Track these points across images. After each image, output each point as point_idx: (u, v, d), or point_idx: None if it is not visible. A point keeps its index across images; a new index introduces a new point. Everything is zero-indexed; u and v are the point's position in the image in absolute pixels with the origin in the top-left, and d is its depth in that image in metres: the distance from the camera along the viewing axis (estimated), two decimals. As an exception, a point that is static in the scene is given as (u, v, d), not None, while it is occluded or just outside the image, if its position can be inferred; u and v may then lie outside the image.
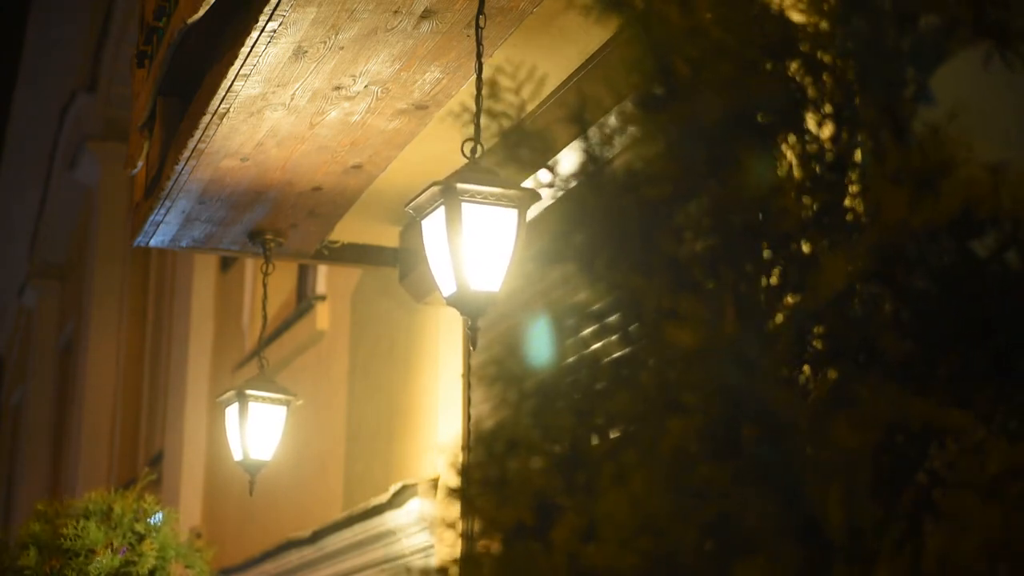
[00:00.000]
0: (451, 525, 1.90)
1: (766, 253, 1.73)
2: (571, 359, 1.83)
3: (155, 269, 13.00)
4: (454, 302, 4.24)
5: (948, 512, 1.54)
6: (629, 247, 1.75)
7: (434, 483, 6.16)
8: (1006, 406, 1.63)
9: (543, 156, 1.93)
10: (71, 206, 16.12)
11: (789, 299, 1.70)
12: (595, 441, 1.75)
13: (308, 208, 5.89)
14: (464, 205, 4.17)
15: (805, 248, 1.74)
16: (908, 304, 1.67)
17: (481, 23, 4.31)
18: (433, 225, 4.26)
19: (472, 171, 4.22)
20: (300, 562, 7.76)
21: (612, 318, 1.79)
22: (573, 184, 1.87)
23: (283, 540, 7.96)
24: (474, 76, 4.39)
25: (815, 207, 1.76)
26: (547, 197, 1.93)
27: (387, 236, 6.61)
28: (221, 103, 4.88)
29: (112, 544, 5.63)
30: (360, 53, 4.60)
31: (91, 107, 14.38)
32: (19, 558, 5.64)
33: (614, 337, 1.79)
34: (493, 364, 1.83)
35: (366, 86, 4.83)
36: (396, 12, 4.35)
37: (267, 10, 4.28)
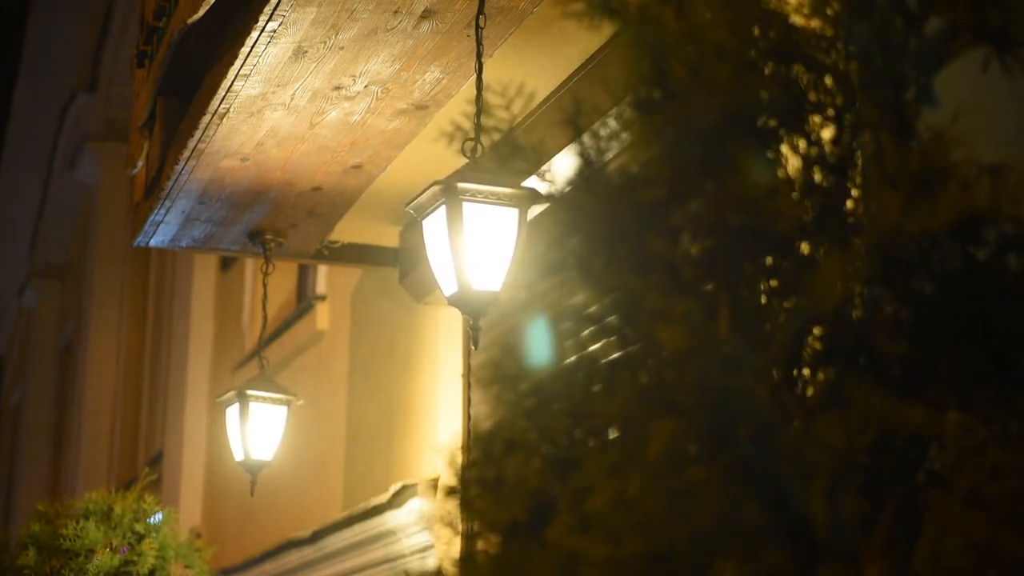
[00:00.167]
0: (449, 524, 1.91)
1: (766, 257, 1.73)
2: (568, 361, 1.83)
3: (155, 269, 13.00)
4: (455, 302, 4.24)
5: (934, 514, 1.54)
6: (625, 249, 1.75)
7: (434, 483, 6.16)
8: (1006, 408, 1.63)
9: (536, 164, 1.94)
10: (71, 206, 16.12)
11: (786, 303, 1.70)
12: (591, 442, 1.76)
13: (308, 208, 5.89)
14: (465, 205, 4.17)
15: (803, 250, 1.74)
16: (908, 306, 1.67)
17: (481, 23, 4.31)
18: (434, 225, 4.26)
19: (473, 170, 4.22)
20: (300, 562, 7.76)
21: (609, 320, 1.79)
22: (570, 187, 1.87)
23: (283, 540, 7.96)
24: (474, 76, 4.39)
25: (813, 209, 1.76)
26: (544, 201, 1.94)
27: (387, 236, 6.61)
28: (221, 103, 4.88)
29: (112, 544, 5.64)
30: (360, 53, 4.60)
31: (91, 107, 14.39)
32: (19, 558, 5.64)
33: (611, 339, 1.79)
34: (490, 366, 1.83)
35: (366, 86, 4.83)
36: (396, 12, 4.35)
37: (267, 10, 4.28)
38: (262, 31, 4.40)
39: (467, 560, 1.78)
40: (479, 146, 4.26)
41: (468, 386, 5.67)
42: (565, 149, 1.90)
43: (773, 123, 1.78)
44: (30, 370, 17.83)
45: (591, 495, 1.61)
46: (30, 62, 16.32)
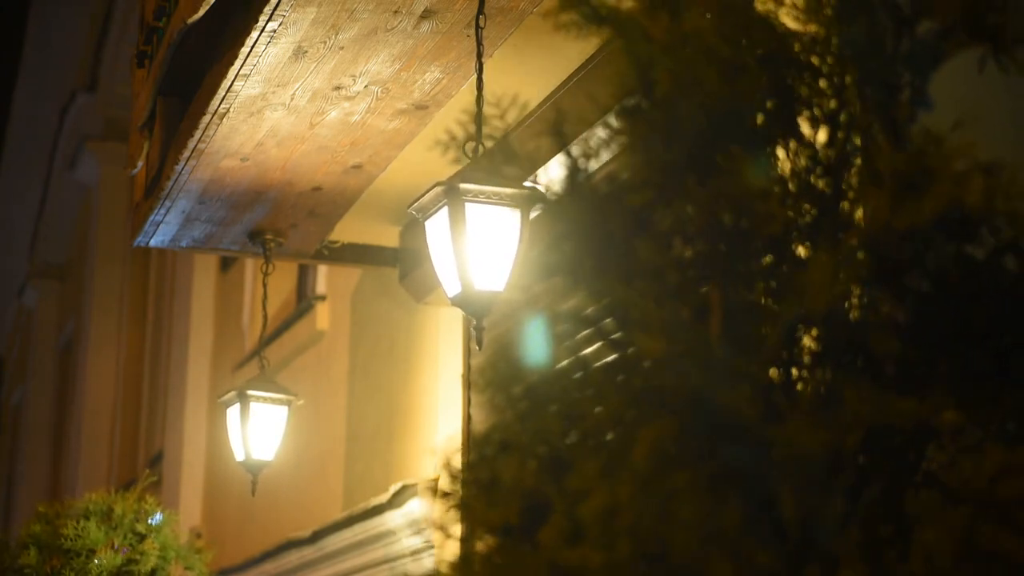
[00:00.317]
0: (443, 527, 1.91)
1: (757, 259, 1.73)
2: (562, 363, 1.83)
3: (155, 269, 13.00)
4: (459, 302, 4.24)
5: (917, 513, 1.54)
6: (613, 255, 1.76)
7: (434, 483, 6.16)
8: (1003, 407, 1.63)
9: (531, 170, 1.94)
10: (71, 206, 16.13)
11: (776, 303, 1.71)
12: (584, 444, 1.76)
13: (308, 208, 5.89)
14: (467, 205, 4.17)
15: (796, 252, 1.74)
16: (904, 305, 1.67)
17: (481, 23, 4.31)
18: (437, 226, 4.26)
19: (474, 171, 4.22)
20: (300, 562, 7.76)
21: (601, 324, 1.79)
22: (559, 195, 1.88)
23: (283, 540, 7.96)
24: (474, 76, 4.40)
25: (806, 211, 1.76)
26: (545, 201, 1.94)
27: (387, 236, 6.61)
28: (221, 103, 4.88)
29: (113, 544, 5.64)
30: (360, 53, 4.60)
31: (91, 107, 14.39)
32: (20, 558, 5.64)
33: (604, 342, 1.80)
34: (485, 369, 1.84)
35: (366, 86, 4.83)
36: (396, 12, 4.35)
37: (267, 10, 4.28)
38: (262, 31, 4.40)
39: (462, 562, 1.78)
40: (480, 146, 4.26)
41: (468, 386, 5.68)
42: (558, 154, 1.90)
43: (764, 125, 1.79)
44: (30, 370, 17.83)
45: (584, 499, 1.62)
46: (30, 62, 16.32)
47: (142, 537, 5.70)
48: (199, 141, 5.17)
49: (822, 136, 1.81)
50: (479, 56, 4.35)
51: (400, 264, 6.63)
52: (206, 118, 5.00)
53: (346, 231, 6.50)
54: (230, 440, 6.38)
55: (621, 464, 1.62)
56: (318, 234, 6.20)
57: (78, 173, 14.59)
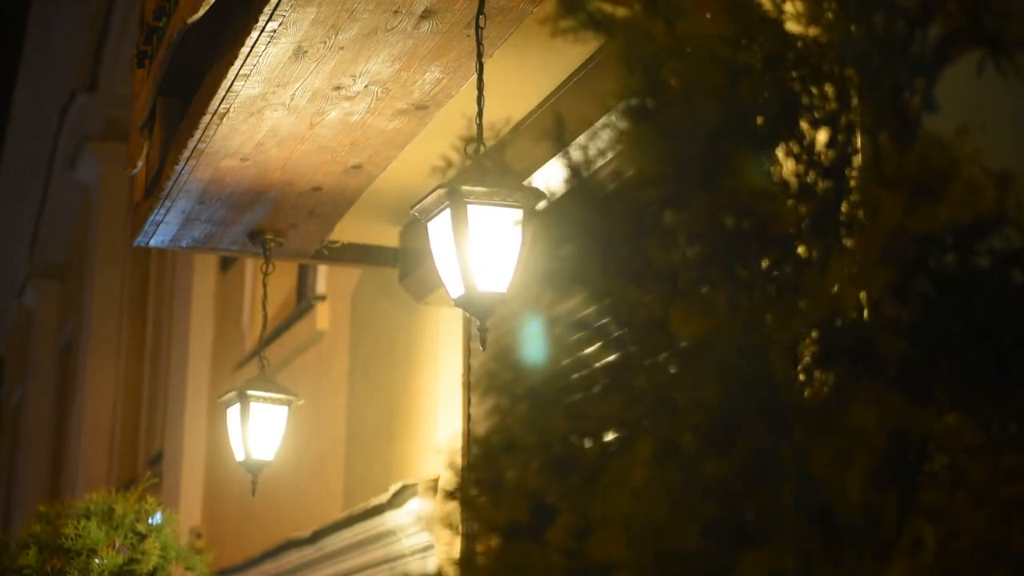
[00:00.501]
0: (449, 525, 1.91)
1: (763, 260, 1.73)
2: (565, 363, 1.83)
3: (155, 269, 13.00)
4: (462, 304, 4.24)
5: (943, 512, 1.54)
6: (618, 256, 1.76)
7: (434, 483, 6.16)
8: (1006, 410, 1.63)
9: (527, 176, 1.95)
10: (71, 206, 16.13)
11: (782, 302, 1.70)
12: (589, 444, 1.76)
13: (308, 208, 5.89)
14: (470, 207, 4.17)
15: (800, 253, 1.74)
16: (908, 307, 1.67)
17: (481, 23, 4.31)
18: (439, 227, 4.27)
19: (476, 172, 4.22)
20: (300, 562, 7.76)
21: (606, 323, 1.79)
22: (564, 193, 1.88)
23: (283, 540, 7.96)
24: (474, 76, 4.40)
25: (809, 212, 1.76)
26: (547, 200, 1.94)
27: (387, 236, 6.61)
28: (221, 103, 4.88)
29: (114, 544, 5.64)
30: (360, 53, 4.60)
31: (91, 107, 14.39)
32: (20, 558, 5.64)
33: (606, 342, 1.80)
34: (487, 369, 1.84)
35: (366, 86, 4.83)
36: (396, 12, 4.35)
37: (267, 10, 4.28)
38: (262, 31, 4.40)
39: (466, 561, 1.78)
40: (482, 146, 4.26)
41: (468, 386, 5.68)
42: (558, 156, 1.91)
43: (767, 127, 1.79)
44: (30, 370, 17.83)
45: (598, 496, 1.62)
46: (30, 62, 16.32)
47: (143, 537, 5.70)
48: (199, 141, 5.17)
49: (823, 136, 1.81)
50: (479, 56, 4.35)
51: (400, 264, 6.63)
52: (206, 118, 5.00)
53: (346, 231, 6.50)
54: (230, 440, 6.38)
55: (638, 460, 1.61)
56: (318, 234, 6.20)
57: (78, 173, 14.59)
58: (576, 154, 1.86)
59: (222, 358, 10.41)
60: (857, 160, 1.79)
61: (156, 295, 12.99)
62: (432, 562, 6.13)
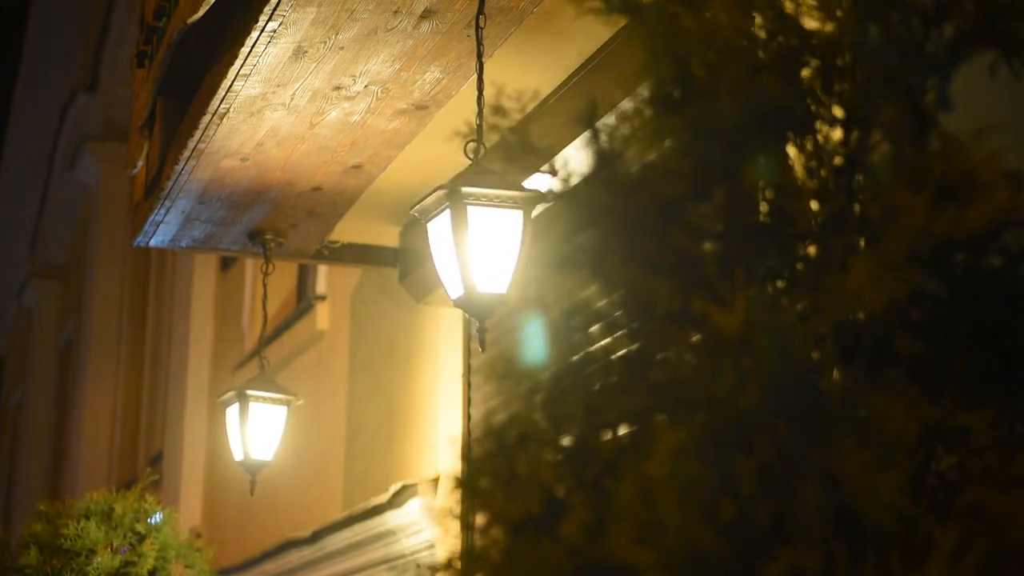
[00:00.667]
0: (458, 518, 1.91)
1: (782, 256, 1.73)
2: (582, 354, 1.83)
3: (155, 269, 13.00)
4: (462, 304, 4.25)
5: (991, 511, 1.53)
6: (641, 246, 1.75)
7: (434, 483, 6.16)
8: (1014, 410, 1.62)
9: (549, 158, 1.94)
10: (71, 206, 16.12)
11: (801, 304, 1.70)
12: (606, 436, 1.76)
13: (308, 208, 5.89)
14: (469, 208, 4.18)
15: (819, 251, 1.74)
16: (921, 306, 1.67)
17: (481, 23, 4.31)
18: (439, 228, 4.27)
19: (476, 173, 4.22)
20: (300, 562, 7.76)
21: (622, 314, 1.79)
22: (584, 182, 1.87)
23: (283, 540, 7.96)
24: (474, 76, 4.40)
25: (828, 210, 1.75)
26: (557, 195, 1.93)
27: (387, 236, 6.61)
28: (221, 103, 4.88)
29: (113, 544, 5.64)
30: (360, 53, 4.60)
31: (91, 107, 14.39)
32: (20, 557, 5.64)
33: (623, 333, 1.79)
34: (504, 359, 1.83)
35: (366, 86, 4.83)
36: (396, 12, 4.35)
37: (267, 10, 4.28)
38: (262, 31, 4.40)
39: (477, 554, 1.78)
40: (482, 147, 4.26)
41: (468, 386, 5.67)
42: (572, 145, 1.90)
43: (786, 124, 1.78)
44: (30, 370, 17.82)
45: (613, 492, 1.61)
46: (30, 62, 16.32)
47: (142, 537, 5.70)
48: (199, 141, 5.17)
49: (838, 135, 1.81)
50: (479, 56, 4.35)
51: (400, 264, 6.63)
52: (206, 118, 5.00)
53: (346, 231, 6.50)
54: (229, 440, 6.38)
55: (654, 456, 1.61)
56: (318, 234, 6.20)
57: (78, 173, 14.59)
58: (600, 142, 1.86)
59: (222, 358, 10.41)
60: (874, 159, 1.79)
61: (156, 295, 12.99)
62: (432, 562, 6.13)
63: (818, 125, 1.80)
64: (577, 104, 1.95)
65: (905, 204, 1.64)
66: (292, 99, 4.91)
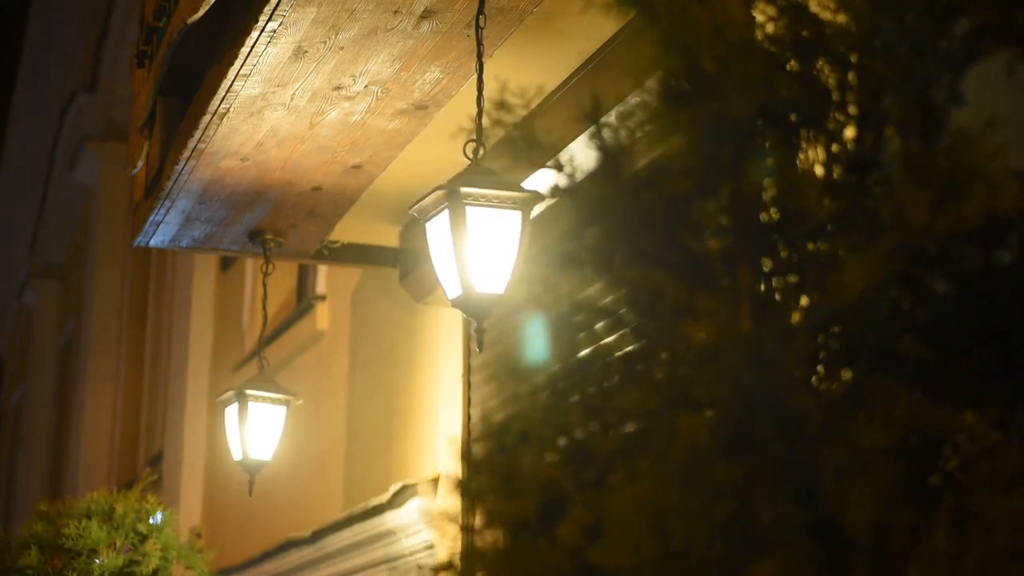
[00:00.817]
0: (455, 519, 1.90)
1: (784, 252, 1.73)
2: (583, 354, 1.82)
3: (155, 269, 13.00)
4: (459, 305, 4.25)
5: (979, 513, 1.53)
6: (647, 243, 1.75)
7: (434, 483, 6.16)
8: (1020, 410, 1.62)
9: (550, 156, 1.93)
10: (71, 206, 16.12)
11: (805, 299, 1.70)
12: (605, 437, 1.75)
13: (308, 208, 5.89)
14: (468, 208, 4.18)
15: (824, 248, 1.73)
16: (927, 306, 1.67)
17: (481, 23, 4.31)
18: (437, 228, 4.27)
19: (475, 173, 4.22)
20: (300, 562, 7.76)
21: (624, 312, 1.78)
22: (588, 180, 1.87)
23: (283, 540, 7.96)
24: (474, 76, 4.40)
25: (837, 207, 1.75)
26: (559, 193, 1.93)
27: (387, 236, 6.61)
28: (221, 103, 4.88)
29: (115, 544, 5.64)
30: (360, 53, 4.60)
31: (91, 107, 14.38)
32: (21, 558, 5.64)
33: (626, 332, 1.79)
34: (504, 359, 1.83)
35: (366, 86, 4.83)
36: (396, 12, 4.35)
37: (267, 10, 4.28)
38: (262, 31, 4.40)
39: (475, 554, 1.78)
40: (481, 147, 4.27)
41: (468, 386, 5.68)
42: (576, 142, 1.89)
43: (797, 119, 1.78)
44: (30, 370, 17.82)
45: (610, 496, 1.61)
46: (30, 62, 16.32)
47: (144, 537, 5.70)
48: (199, 141, 5.17)
49: (851, 132, 1.80)
50: (479, 56, 4.35)
51: (400, 264, 6.63)
52: (206, 118, 5.00)
53: (346, 231, 6.50)
54: (228, 440, 6.38)
55: (648, 458, 1.61)
56: (318, 234, 6.21)
57: (78, 173, 14.58)
58: (606, 138, 1.85)
59: (222, 358, 10.41)
60: (885, 156, 1.78)
61: (156, 295, 12.99)
62: (431, 562, 6.13)
63: (830, 123, 1.79)
64: (578, 104, 1.95)
65: (909, 200, 1.64)
66: (292, 99, 4.91)
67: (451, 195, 4.19)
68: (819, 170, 1.79)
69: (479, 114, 4.26)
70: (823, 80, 1.79)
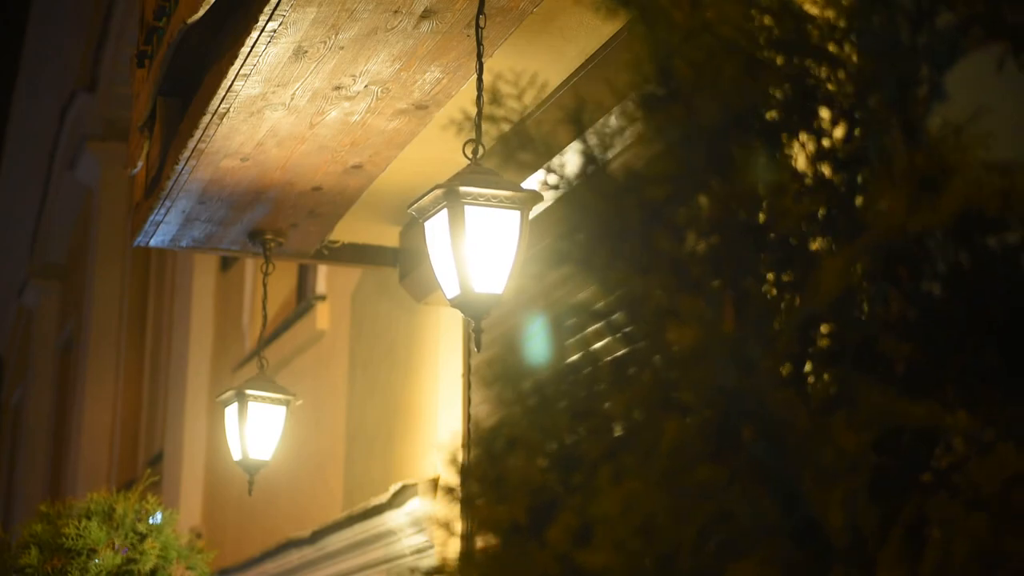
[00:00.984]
0: (446, 524, 1.91)
1: (771, 254, 1.73)
2: (571, 359, 1.83)
3: (155, 269, 13.00)
4: (458, 304, 4.25)
5: (941, 518, 1.53)
6: (629, 246, 1.75)
7: (434, 483, 6.16)
8: (1013, 408, 1.62)
9: (544, 158, 1.93)
10: (71, 206, 16.13)
11: (789, 299, 1.70)
12: (594, 440, 1.75)
13: (308, 208, 5.89)
14: (467, 208, 4.18)
15: (807, 247, 1.73)
16: (914, 304, 1.67)
17: (481, 23, 4.31)
18: (436, 227, 4.27)
19: (474, 173, 4.22)
20: (300, 562, 7.76)
21: (612, 317, 1.79)
22: (574, 184, 1.87)
23: (283, 540, 7.96)
24: (474, 76, 4.40)
25: (818, 206, 1.75)
26: (548, 198, 1.93)
27: (387, 236, 6.62)
28: (221, 103, 4.88)
29: (114, 544, 5.64)
30: (360, 53, 4.60)
31: (91, 107, 14.39)
32: (21, 557, 5.65)
33: (614, 337, 1.79)
34: (492, 364, 1.83)
35: (366, 86, 4.83)
36: (396, 12, 4.35)
37: (267, 10, 4.28)
38: (262, 31, 4.40)
39: (467, 559, 1.78)
40: (480, 147, 4.27)
41: (468, 386, 5.68)
42: (568, 146, 1.90)
43: (780, 119, 1.78)
44: (30, 370, 17.83)
45: (597, 499, 1.61)
46: (30, 62, 16.33)
47: (143, 537, 5.71)
48: (199, 141, 5.18)
49: (839, 131, 1.80)
50: (479, 56, 4.35)
51: (400, 264, 6.63)
52: (206, 118, 5.00)
53: (346, 231, 6.50)
54: (228, 439, 6.39)
55: (635, 460, 1.61)
56: (318, 234, 6.21)
57: (78, 173, 14.59)
58: (586, 144, 1.85)
59: (222, 358, 10.42)
60: (869, 153, 1.78)
61: (156, 295, 12.99)
62: (431, 562, 6.14)
63: (812, 121, 1.79)
64: (577, 105, 1.95)
65: (889, 197, 1.64)
66: (292, 99, 4.91)
67: (450, 194, 4.19)
68: (801, 168, 1.79)
69: (479, 114, 4.26)
70: (805, 78, 1.79)
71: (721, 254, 1.72)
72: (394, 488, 6.35)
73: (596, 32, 4.77)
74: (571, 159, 1.89)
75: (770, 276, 1.72)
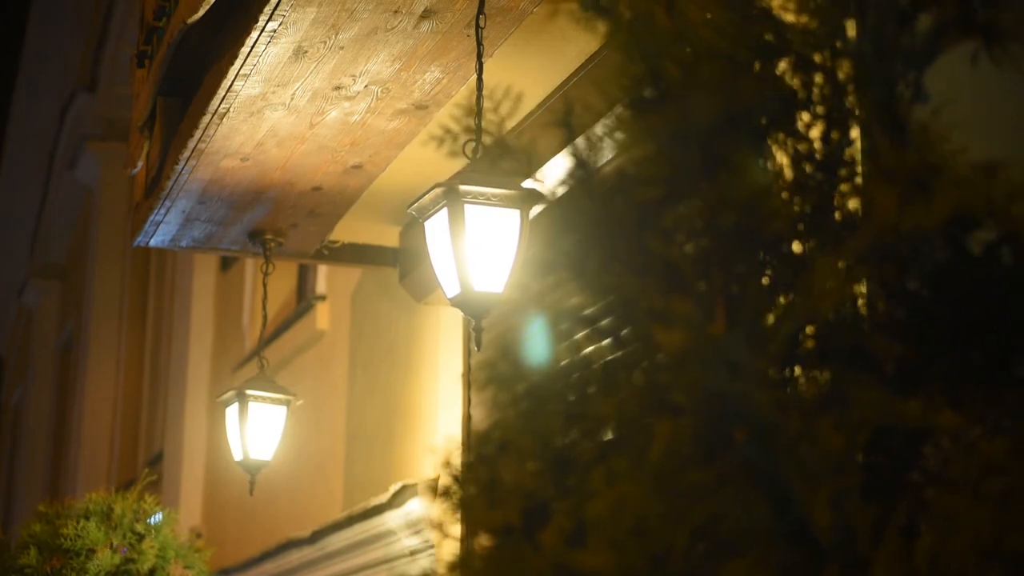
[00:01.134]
0: (440, 527, 1.91)
1: (760, 256, 1.73)
2: (563, 362, 1.83)
3: (155, 269, 13.00)
4: (458, 303, 4.25)
5: (939, 512, 1.54)
6: (620, 249, 1.75)
7: (434, 483, 6.16)
8: (1000, 406, 1.62)
9: (529, 166, 1.94)
10: (71, 206, 16.13)
11: (781, 300, 1.70)
12: (586, 444, 1.75)
13: (308, 208, 5.89)
14: (467, 207, 4.18)
15: (796, 249, 1.74)
16: (901, 304, 1.67)
17: (481, 23, 4.31)
18: (436, 226, 4.27)
19: (474, 172, 4.22)
20: (300, 562, 7.76)
21: (605, 321, 1.79)
22: (564, 188, 1.87)
23: (283, 540, 7.96)
24: (474, 76, 4.40)
25: (806, 208, 1.76)
26: (545, 201, 1.93)
27: (387, 236, 6.62)
28: (221, 103, 4.88)
29: (112, 544, 5.64)
30: (360, 53, 4.60)
31: (91, 107, 14.39)
32: (20, 558, 5.65)
33: (606, 340, 1.79)
34: (485, 368, 1.83)
35: (366, 86, 4.83)
36: (396, 12, 4.35)
37: (267, 10, 4.28)
38: (262, 31, 4.40)
39: (462, 562, 1.78)
40: (480, 147, 4.26)
41: (468, 386, 5.68)
42: (560, 151, 1.90)
43: (764, 121, 1.78)
44: (30, 370, 17.83)
45: (590, 501, 1.61)
46: (30, 62, 16.33)
47: (141, 537, 5.71)
48: (199, 141, 5.17)
49: (816, 132, 1.81)
50: (479, 56, 4.35)
51: (400, 264, 6.63)
52: (206, 118, 5.00)
53: (346, 231, 6.50)
54: (228, 440, 6.39)
55: (628, 462, 1.61)
56: (318, 234, 6.21)
57: (78, 173, 14.59)
58: (580, 147, 1.86)
59: (222, 358, 10.42)
60: (852, 154, 1.79)
61: (156, 295, 12.99)
62: (431, 562, 6.14)
63: (799, 122, 1.80)
64: (577, 104, 1.95)
65: (878, 198, 1.64)
66: (292, 99, 4.91)
67: (450, 193, 4.19)
68: (787, 171, 1.79)
69: (479, 114, 4.26)
70: (788, 81, 1.79)
71: (712, 256, 1.72)
72: (394, 488, 6.35)
73: (595, 32, 4.76)
74: (561, 162, 1.89)
75: (764, 280, 1.72)
